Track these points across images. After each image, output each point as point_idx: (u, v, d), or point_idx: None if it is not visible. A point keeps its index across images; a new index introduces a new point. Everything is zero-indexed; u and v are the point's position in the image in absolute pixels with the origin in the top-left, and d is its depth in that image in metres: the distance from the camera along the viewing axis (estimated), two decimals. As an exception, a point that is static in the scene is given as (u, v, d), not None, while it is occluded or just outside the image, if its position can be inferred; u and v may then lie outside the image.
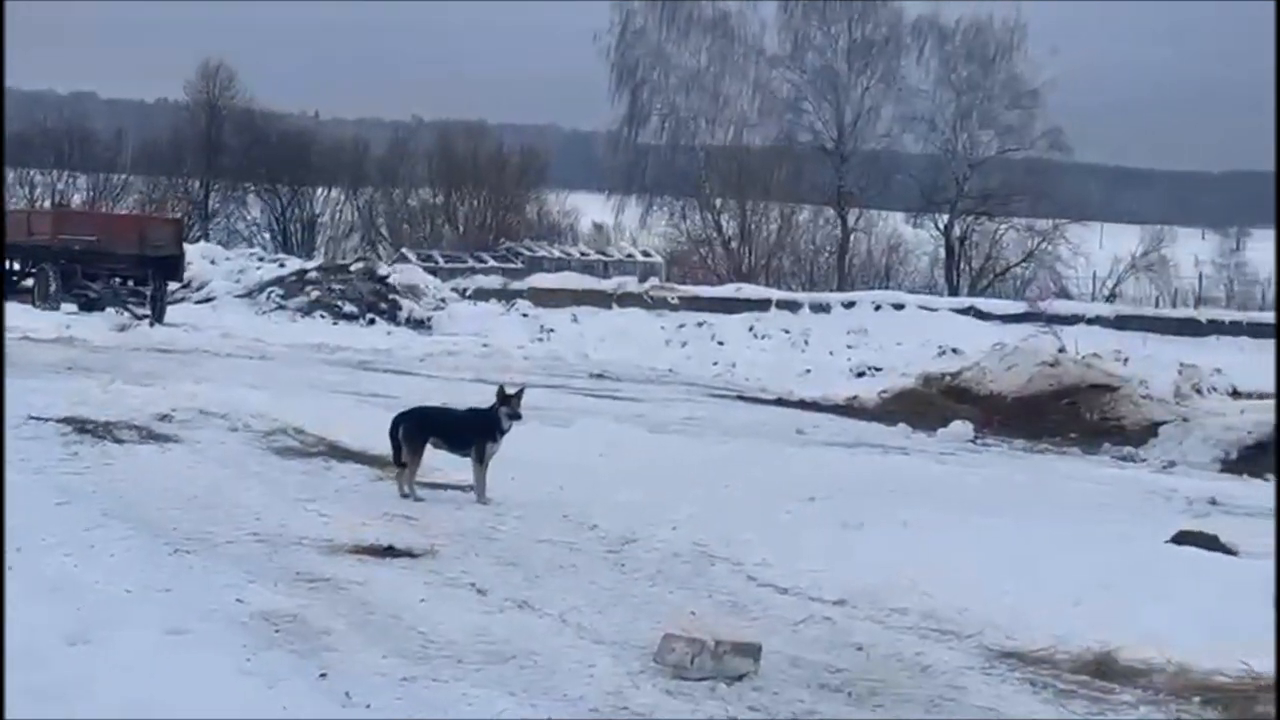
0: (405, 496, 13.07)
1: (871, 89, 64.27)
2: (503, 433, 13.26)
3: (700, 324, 43.12)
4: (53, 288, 36.61)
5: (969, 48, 64.24)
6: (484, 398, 13.66)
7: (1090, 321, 45.12)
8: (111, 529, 10.82)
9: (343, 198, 71.98)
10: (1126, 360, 28.39)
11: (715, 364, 37.60)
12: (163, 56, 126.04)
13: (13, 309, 33.72)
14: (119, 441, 14.98)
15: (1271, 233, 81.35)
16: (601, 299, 45.16)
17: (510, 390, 13.55)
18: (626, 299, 45.34)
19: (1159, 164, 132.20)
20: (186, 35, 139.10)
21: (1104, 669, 8.76)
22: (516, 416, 13.34)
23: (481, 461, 13.25)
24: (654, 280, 50.80)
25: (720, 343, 41.44)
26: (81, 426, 15.50)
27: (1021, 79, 63.35)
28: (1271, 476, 20.28)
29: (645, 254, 62.50)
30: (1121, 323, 46.09)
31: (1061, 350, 29.22)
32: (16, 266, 39.20)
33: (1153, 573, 10.30)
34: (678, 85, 64.74)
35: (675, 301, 45.44)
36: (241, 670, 7.68)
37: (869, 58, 64.09)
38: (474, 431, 13.34)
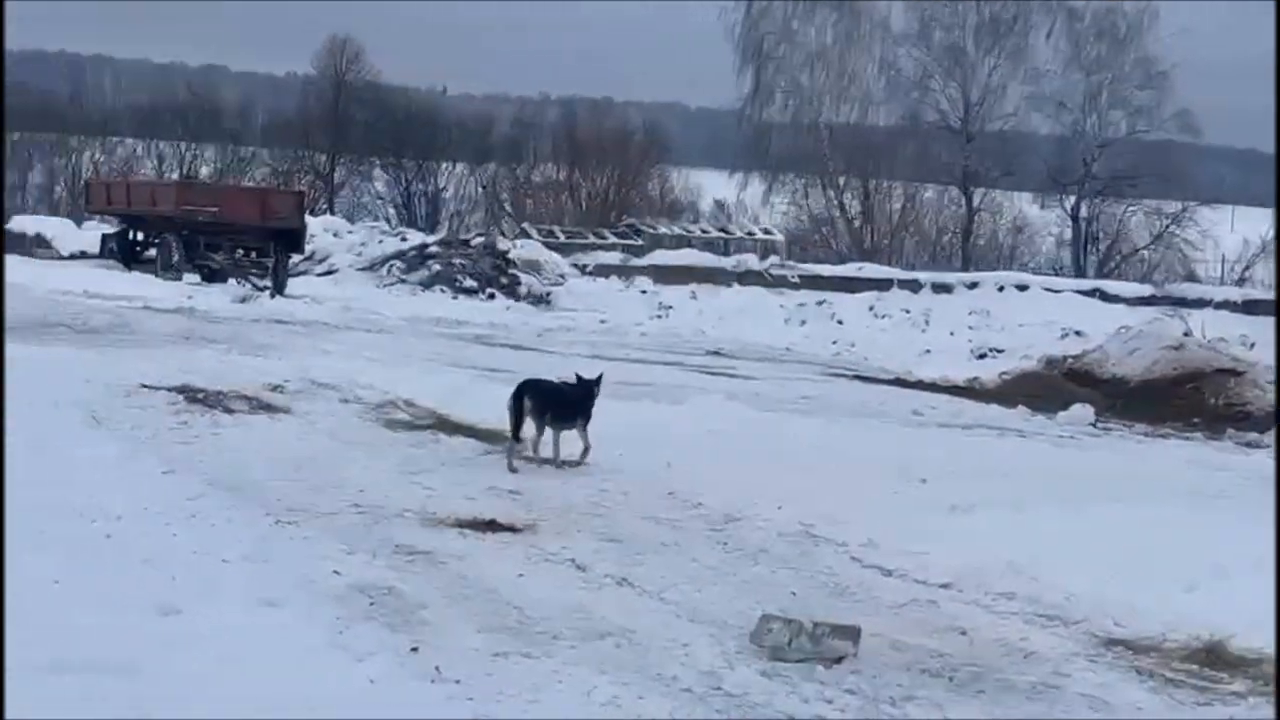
0: (514, 471, 13.04)
1: (999, 68, 63.42)
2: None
3: (820, 303, 42.79)
4: (175, 258, 36.96)
5: (1099, 27, 63.20)
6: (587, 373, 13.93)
7: (1218, 306, 44.32)
8: (214, 498, 10.84)
9: (467, 173, 72.09)
10: (1253, 345, 27.88)
11: (834, 343, 37.32)
12: (294, 30, 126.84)
13: (136, 279, 34.29)
14: (229, 411, 15.04)
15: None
16: (721, 276, 44.89)
17: (587, 376, 13.90)
18: (747, 277, 45.04)
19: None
20: (319, 8, 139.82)
21: (1214, 658, 8.55)
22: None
23: (586, 429, 13.59)
24: (775, 258, 50.44)
25: (840, 322, 41.13)
26: (193, 396, 15.58)
27: (1153, 59, 62.32)
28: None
29: (766, 232, 61.91)
30: (1249, 307, 45.13)
31: (1187, 334, 28.69)
32: (141, 237, 39.84)
33: (1269, 561, 10.03)
34: (803, 62, 64.18)
35: (796, 280, 45.14)
36: (332, 643, 7.66)
37: (997, 36, 63.19)
38: (579, 403, 13.65)
